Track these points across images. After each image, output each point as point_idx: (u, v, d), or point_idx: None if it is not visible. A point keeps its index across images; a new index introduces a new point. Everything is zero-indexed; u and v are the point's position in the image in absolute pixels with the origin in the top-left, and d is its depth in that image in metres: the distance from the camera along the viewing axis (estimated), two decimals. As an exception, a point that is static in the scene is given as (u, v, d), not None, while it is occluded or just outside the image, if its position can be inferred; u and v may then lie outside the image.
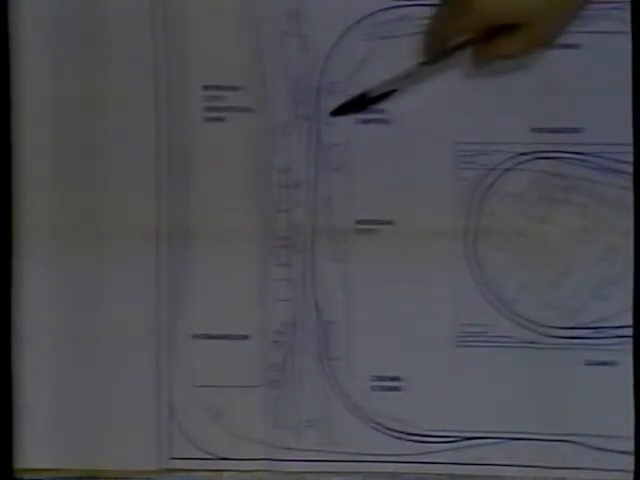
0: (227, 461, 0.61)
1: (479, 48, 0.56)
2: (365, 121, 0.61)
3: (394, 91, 0.59)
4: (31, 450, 0.61)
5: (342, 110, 0.60)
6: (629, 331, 0.60)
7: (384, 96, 0.59)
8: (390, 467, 0.61)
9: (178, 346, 0.61)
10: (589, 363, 0.60)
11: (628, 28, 0.60)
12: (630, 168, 0.60)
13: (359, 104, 0.60)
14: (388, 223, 0.61)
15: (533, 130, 0.60)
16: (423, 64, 0.58)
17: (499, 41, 0.54)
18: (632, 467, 0.60)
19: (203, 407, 0.61)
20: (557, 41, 0.57)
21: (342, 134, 0.61)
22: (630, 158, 0.60)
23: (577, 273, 0.60)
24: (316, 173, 0.61)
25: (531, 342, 0.60)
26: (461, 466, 0.60)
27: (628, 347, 0.60)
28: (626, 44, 0.60)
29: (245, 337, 0.61)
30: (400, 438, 0.61)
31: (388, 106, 0.60)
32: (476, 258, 0.60)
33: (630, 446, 0.60)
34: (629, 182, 0.60)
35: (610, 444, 0.60)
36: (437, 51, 0.57)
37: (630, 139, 0.60)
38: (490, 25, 0.54)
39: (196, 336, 0.61)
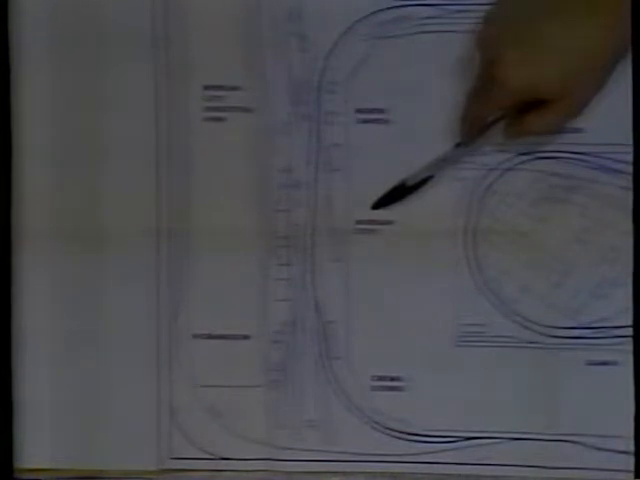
0: (227, 461, 0.61)
1: (510, 124, 0.57)
2: (365, 121, 0.61)
3: (432, 177, 0.59)
4: (31, 450, 0.61)
5: (382, 203, 0.60)
6: (629, 331, 0.60)
7: (422, 183, 0.59)
8: (390, 467, 0.61)
9: (178, 346, 0.61)
10: (589, 363, 0.60)
11: (628, 28, 0.60)
12: (630, 168, 0.60)
13: (397, 194, 0.60)
14: (388, 223, 0.61)
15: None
16: (459, 146, 0.59)
17: (530, 117, 0.55)
18: (632, 467, 0.60)
19: (203, 407, 0.61)
20: (585, 112, 0.57)
21: (342, 134, 0.61)
22: (630, 158, 0.60)
23: (577, 273, 0.60)
24: (316, 173, 0.61)
25: (531, 342, 0.60)
26: (461, 466, 0.60)
27: (628, 347, 0.60)
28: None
29: (245, 337, 0.61)
30: (400, 438, 0.61)
31: (388, 106, 0.60)
32: (476, 258, 0.60)
33: (630, 446, 0.60)
34: (629, 182, 0.60)
35: (610, 444, 0.60)
36: (471, 131, 0.58)
37: (630, 139, 0.60)
38: (520, 101, 0.54)
39: (196, 336, 0.61)
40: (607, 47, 0.52)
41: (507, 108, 0.56)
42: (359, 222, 0.61)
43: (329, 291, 0.61)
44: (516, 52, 0.53)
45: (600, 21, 0.51)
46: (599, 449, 0.60)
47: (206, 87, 0.61)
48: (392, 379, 0.61)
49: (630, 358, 0.60)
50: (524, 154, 0.60)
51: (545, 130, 0.57)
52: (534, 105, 0.55)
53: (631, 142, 0.60)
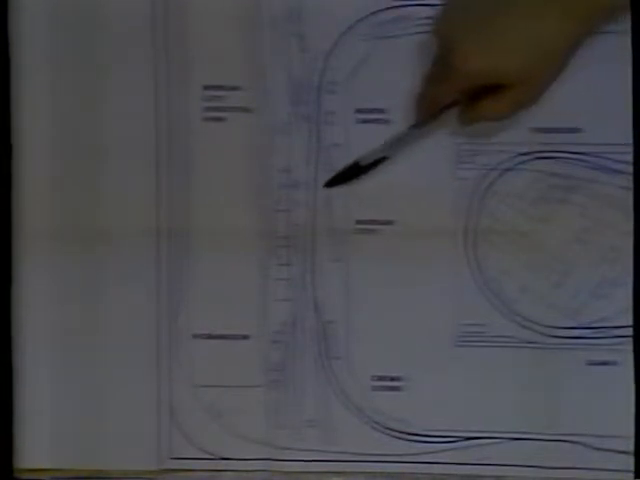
0: (227, 461, 0.61)
1: (465, 109, 0.56)
2: (365, 121, 0.61)
3: (386, 158, 0.59)
4: (31, 450, 0.61)
5: (335, 181, 0.60)
6: (629, 331, 0.60)
7: (376, 163, 0.59)
8: (390, 467, 0.61)
9: (178, 346, 0.61)
10: (589, 363, 0.60)
11: (628, 28, 0.60)
12: (630, 168, 0.60)
13: (352, 173, 0.60)
14: (388, 223, 0.61)
15: (533, 130, 0.60)
16: (412, 127, 0.58)
17: (484, 102, 0.54)
18: (632, 467, 0.60)
19: (203, 407, 0.61)
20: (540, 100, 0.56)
21: (342, 134, 0.61)
22: (630, 158, 0.60)
23: (577, 273, 0.60)
24: (316, 173, 0.61)
25: (531, 342, 0.60)
26: (461, 466, 0.60)
27: (628, 347, 0.60)
28: (626, 44, 0.60)
29: (245, 337, 0.61)
30: (400, 438, 0.61)
31: (388, 106, 0.60)
32: (476, 258, 0.61)
33: (630, 446, 0.60)
34: (629, 182, 0.60)
35: (610, 444, 0.60)
36: (426, 114, 0.57)
37: (630, 139, 0.60)
38: (475, 86, 0.54)
39: (196, 336, 0.61)
40: (565, 34, 0.52)
41: (462, 92, 0.55)
42: (359, 222, 0.61)
43: (329, 291, 0.61)
44: (473, 38, 0.52)
45: (558, 8, 0.51)
46: (599, 449, 0.60)
47: (206, 87, 0.61)
48: (392, 379, 0.61)
49: (630, 358, 0.60)
50: (524, 154, 0.60)
51: (499, 116, 0.56)
52: (489, 91, 0.54)
53: (631, 142, 0.60)
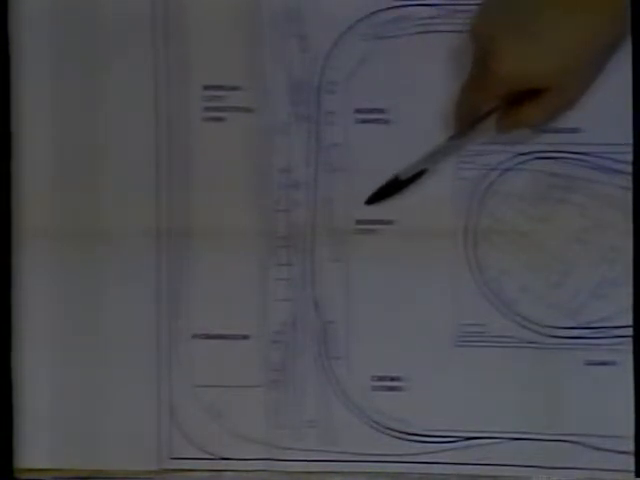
0: (227, 461, 0.61)
1: (502, 116, 0.57)
2: (365, 121, 0.61)
3: (426, 171, 0.59)
4: (31, 450, 0.61)
5: (377, 197, 0.60)
6: (629, 331, 0.60)
7: (416, 177, 0.59)
8: (390, 467, 0.61)
9: (178, 346, 0.61)
10: (589, 363, 0.60)
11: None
12: (630, 168, 0.60)
13: (392, 189, 0.60)
14: (388, 223, 0.61)
15: (533, 130, 0.60)
16: (452, 138, 0.58)
17: (523, 109, 0.55)
18: (632, 467, 0.60)
19: (203, 407, 0.61)
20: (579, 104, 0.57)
21: (342, 134, 0.61)
22: (630, 158, 0.60)
23: (577, 273, 0.60)
24: (316, 173, 0.61)
25: (531, 342, 0.60)
26: (461, 466, 0.60)
27: (628, 347, 0.60)
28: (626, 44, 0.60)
29: (245, 337, 0.61)
30: (400, 438, 0.61)
31: (388, 106, 0.60)
32: (476, 258, 0.61)
33: (630, 446, 0.60)
34: (629, 182, 0.60)
35: (610, 444, 0.60)
36: (465, 123, 0.58)
37: (630, 139, 0.60)
38: (513, 91, 0.54)
39: (196, 336, 0.61)
40: (602, 38, 0.52)
41: (500, 99, 0.55)
42: (359, 222, 0.61)
43: (329, 291, 0.61)
44: (511, 42, 0.52)
45: (596, 12, 0.51)
46: (599, 449, 0.60)
47: (206, 87, 0.61)
48: (392, 379, 0.61)
49: (630, 358, 0.60)
50: (524, 154, 0.60)
51: (538, 122, 0.56)
52: (527, 97, 0.54)
53: (631, 142, 0.60)
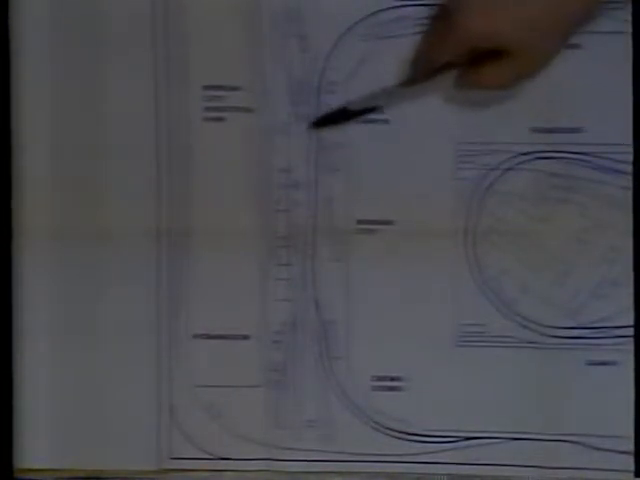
0: (227, 461, 0.61)
1: (463, 74, 0.56)
2: (365, 121, 0.61)
3: (376, 108, 0.59)
4: (31, 450, 0.61)
5: (322, 122, 0.60)
6: (629, 331, 0.60)
7: (366, 111, 0.59)
8: (390, 467, 0.61)
9: (178, 346, 0.61)
10: (589, 363, 0.60)
11: (628, 28, 0.60)
12: (630, 168, 0.60)
13: (340, 117, 0.60)
14: (388, 223, 0.61)
15: (533, 130, 0.60)
16: (404, 84, 0.58)
17: (483, 68, 0.54)
18: (632, 467, 0.60)
19: (203, 407, 0.61)
20: (541, 72, 0.56)
21: (342, 134, 0.61)
22: (630, 158, 0.60)
23: (577, 273, 0.60)
24: (316, 173, 0.61)
25: (531, 342, 0.60)
26: (461, 466, 0.60)
27: (628, 347, 0.60)
28: (626, 44, 0.60)
29: (245, 337, 0.61)
30: (400, 438, 0.61)
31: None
32: (476, 258, 0.60)
33: (630, 446, 0.60)
34: (629, 182, 0.60)
35: (610, 444, 0.60)
36: (420, 72, 0.57)
37: (630, 139, 0.60)
38: (474, 49, 0.53)
39: (196, 336, 0.61)
40: (571, 9, 0.51)
41: (462, 54, 0.54)
42: (359, 222, 0.61)
43: (329, 291, 0.61)
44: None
45: None
46: (599, 449, 0.60)
47: (206, 87, 0.61)
48: (392, 379, 0.61)
49: (630, 358, 0.60)
50: (524, 154, 0.60)
51: (497, 85, 0.55)
52: (489, 58, 0.53)
53: (631, 142, 0.60)
